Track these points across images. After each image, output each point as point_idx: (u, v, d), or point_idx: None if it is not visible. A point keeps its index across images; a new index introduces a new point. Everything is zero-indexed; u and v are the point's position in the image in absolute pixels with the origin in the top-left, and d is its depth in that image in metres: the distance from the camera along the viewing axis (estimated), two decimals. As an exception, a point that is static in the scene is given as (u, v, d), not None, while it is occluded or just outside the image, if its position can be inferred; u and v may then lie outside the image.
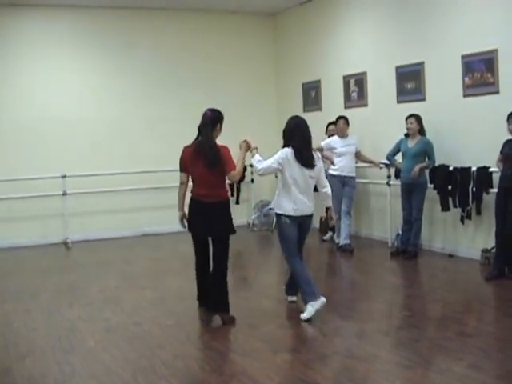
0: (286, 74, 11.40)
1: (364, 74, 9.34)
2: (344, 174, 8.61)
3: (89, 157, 10.24)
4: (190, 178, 5.56)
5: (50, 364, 4.66)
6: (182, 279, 7.10)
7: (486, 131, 7.31)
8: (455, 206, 7.59)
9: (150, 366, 4.56)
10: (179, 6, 10.55)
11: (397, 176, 8.33)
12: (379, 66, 9.03)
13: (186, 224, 5.61)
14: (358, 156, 8.81)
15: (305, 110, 10.78)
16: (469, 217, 7.45)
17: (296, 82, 11.03)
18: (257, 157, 5.60)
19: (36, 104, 9.99)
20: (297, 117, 5.75)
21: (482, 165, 7.22)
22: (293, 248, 5.66)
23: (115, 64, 10.55)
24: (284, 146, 5.63)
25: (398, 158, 8.12)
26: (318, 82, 10.46)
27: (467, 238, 7.72)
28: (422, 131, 7.82)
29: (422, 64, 8.19)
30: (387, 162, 8.34)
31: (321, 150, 8.58)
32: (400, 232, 8.16)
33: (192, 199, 5.53)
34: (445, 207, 7.71)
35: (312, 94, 10.67)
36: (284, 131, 5.68)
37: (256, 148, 5.62)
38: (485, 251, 7.24)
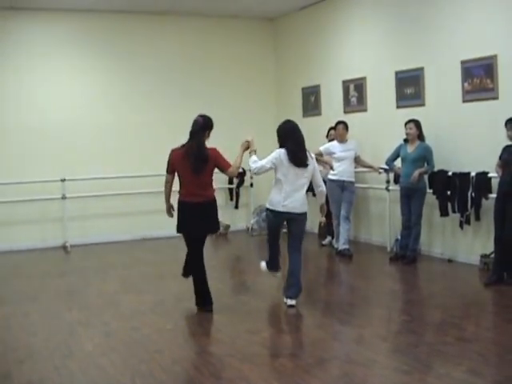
0: (286, 78, 11.41)
1: (364, 79, 9.36)
2: (343, 178, 8.62)
3: (88, 161, 10.23)
4: (178, 180, 5.93)
5: (48, 368, 4.65)
6: (181, 283, 7.07)
7: (485, 136, 7.32)
8: (454, 212, 7.59)
9: (149, 370, 4.55)
10: (178, 11, 10.56)
11: (396, 181, 8.34)
12: (379, 71, 9.04)
13: (173, 213, 6.09)
14: (358, 161, 8.82)
15: (304, 115, 10.80)
16: (468, 222, 7.45)
17: (295, 87, 11.05)
18: (253, 158, 5.98)
19: (35, 107, 9.99)
20: (289, 121, 6.14)
21: (481, 170, 7.23)
22: (273, 238, 6.14)
23: (115, 68, 10.56)
24: (280, 147, 6.00)
25: (398, 163, 8.13)
26: (318, 86, 10.48)
27: (466, 244, 7.73)
28: (421, 136, 7.83)
29: (421, 69, 8.21)
30: (386, 167, 8.35)
31: (320, 155, 8.63)
32: (399, 237, 8.16)
33: (180, 201, 5.88)
34: (444, 212, 7.72)
35: (311, 99, 10.68)
36: (279, 135, 6.06)
37: (255, 150, 6.02)
38: (484, 256, 7.25)
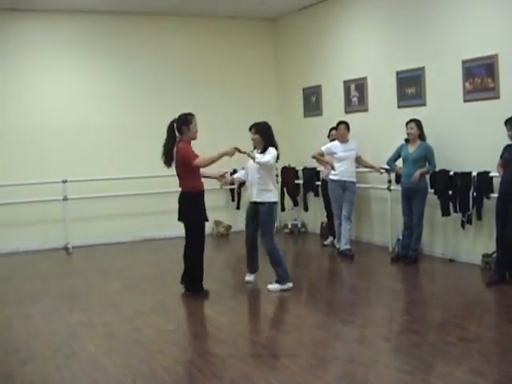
0: (287, 79, 11.41)
1: (364, 79, 9.35)
2: (344, 178, 8.61)
3: (89, 162, 10.23)
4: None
5: (50, 369, 4.66)
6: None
7: (486, 136, 7.31)
8: (456, 211, 7.59)
9: (151, 371, 4.56)
10: (179, 12, 10.56)
11: (397, 181, 8.34)
12: (380, 71, 9.04)
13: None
14: (359, 161, 8.82)
15: (305, 115, 10.80)
16: (469, 222, 7.45)
17: (296, 87, 11.04)
18: (258, 154, 6.57)
19: (36, 109, 9.98)
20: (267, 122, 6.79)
21: (482, 170, 7.23)
22: (247, 223, 6.93)
23: (116, 69, 10.56)
24: (270, 144, 6.61)
25: (399, 163, 8.13)
26: (319, 87, 10.47)
27: (468, 243, 7.72)
28: (422, 136, 7.83)
29: (422, 69, 8.20)
30: (387, 167, 8.35)
31: (321, 155, 8.64)
32: (400, 237, 8.15)
33: None
34: (445, 212, 7.72)
35: (312, 99, 10.68)
36: (270, 133, 6.66)
37: (252, 151, 6.62)
38: (485, 256, 7.24)
